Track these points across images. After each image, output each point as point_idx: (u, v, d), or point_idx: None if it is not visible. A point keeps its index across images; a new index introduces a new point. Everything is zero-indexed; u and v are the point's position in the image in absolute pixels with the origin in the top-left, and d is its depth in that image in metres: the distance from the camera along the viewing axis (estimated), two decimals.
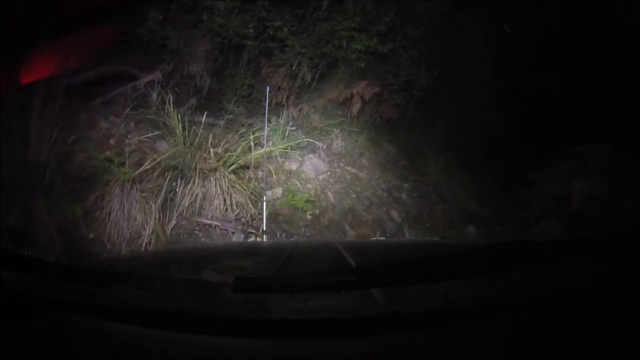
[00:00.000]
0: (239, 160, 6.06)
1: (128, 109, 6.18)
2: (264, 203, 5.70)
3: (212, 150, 5.81)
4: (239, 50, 7.42)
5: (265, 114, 6.56)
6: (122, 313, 1.15)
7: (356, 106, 7.71)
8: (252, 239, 5.63)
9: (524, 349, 0.98)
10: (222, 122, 6.67)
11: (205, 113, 6.48)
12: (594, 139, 6.54)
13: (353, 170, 7.20)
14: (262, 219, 5.62)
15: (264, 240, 5.43)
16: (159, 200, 5.47)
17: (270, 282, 1.30)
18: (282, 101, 7.63)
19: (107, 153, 5.64)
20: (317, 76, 7.69)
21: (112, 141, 5.91)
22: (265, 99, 6.69)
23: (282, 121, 7.10)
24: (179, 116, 5.94)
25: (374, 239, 6.25)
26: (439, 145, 8.60)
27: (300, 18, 7.38)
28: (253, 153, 6.12)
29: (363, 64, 7.60)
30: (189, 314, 1.12)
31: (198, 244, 5.08)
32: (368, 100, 7.84)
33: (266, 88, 6.85)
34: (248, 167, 6.24)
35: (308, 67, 7.56)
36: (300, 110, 7.75)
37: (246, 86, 7.39)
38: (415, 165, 8.33)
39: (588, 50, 7.08)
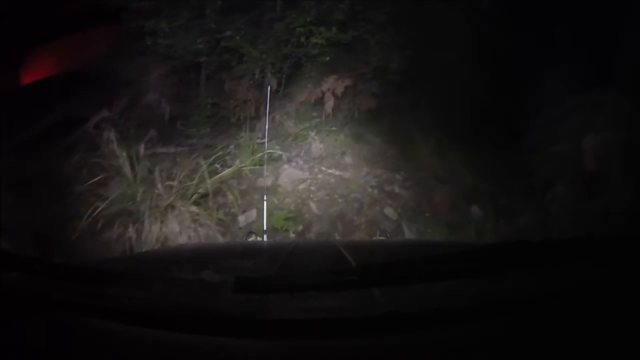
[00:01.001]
0: (199, 189, 5.27)
1: (78, 155, 5.35)
2: (264, 203, 5.18)
3: (161, 185, 5.02)
4: (195, 69, 6.64)
5: (265, 125, 6.13)
6: (122, 313, 1.09)
7: (329, 103, 6.96)
8: (252, 238, 5.23)
9: (524, 349, 0.93)
10: (184, 149, 5.84)
11: (166, 142, 5.73)
12: (594, 87, 5.70)
13: (337, 172, 6.39)
14: (262, 223, 5.13)
15: (264, 239, 5.07)
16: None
17: (270, 282, 1.22)
18: (250, 114, 6.79)
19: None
20: (283, 80, 6.99)
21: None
22: (267, 102, 6.00)
23: (247, 135, 6.23)
24: (128, 152, 5.16)
25: (374, 239, 5.72)
26: (427, 125, 7.73)
27: (253, 23, 6.56)
28: (208, 180, 5.32)
29: (328, 58, 6.89)
30: (189, 314, 1.07)
31: (198, 244, 4.72)
32: (342, 95, 7.14)
33: (267, 89, 6.22)
34: (216, 193, 5.43)
35: (272, 72, 6.79)
36: (272, 119, 6.95)
37: (209, 105, 6.60)
38: (405, 152, 7.54)
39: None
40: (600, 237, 1.21)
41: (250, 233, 5.25)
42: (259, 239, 5.07)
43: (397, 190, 6.44)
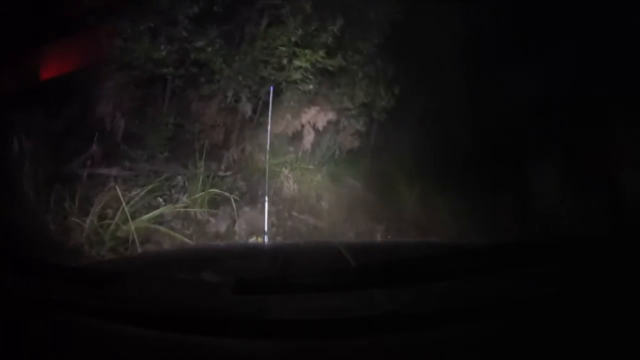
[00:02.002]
0: (119, 231, 3.81)
1: None
2: (266, 199, 4.61)
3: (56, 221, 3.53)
4: (161, 83, 5.49)
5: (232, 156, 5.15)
6: (122, 313, 1.06)
7: (308, 138, 5.89)
8: (253, 239, 4.65)
9: (523, 349, 0.91)
10: (128, 174, 4.55)
11: (111, 163, 4.62)
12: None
13: (310, 220, 5.22)
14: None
15: (265, 240, 4.56)
16: None
17: (270, 283, 1.20)
18: (218, 141, 5.60)
19: None
20: (259, 107, 5.76)
21: None
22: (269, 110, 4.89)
23: (202, 165, 4.89)
24: (40, 175, 3.74)
25: (374, 239, 5.19)
26: (411, 171, 6.90)
27: (229, 37, 5.49)
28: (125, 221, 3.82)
29: (311, 87, 5.87)
30: (189, 315, 1.04)
31: (198, 245, 4.24)
32: (322, 130, 6.01)
33: (270, 88, 5.26)
34: (146, 238, 3.97)
35: (247, 97, 5.65)
36: (242, 150, 5.79)
37: (170, 125, 5.34)
38: (387, 199, 6.61)
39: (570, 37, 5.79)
40: (600, 237, 1.28)
41: (251, 233, 4.72)
42: (259, 239, 4.64)
43: None
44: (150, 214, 3.83)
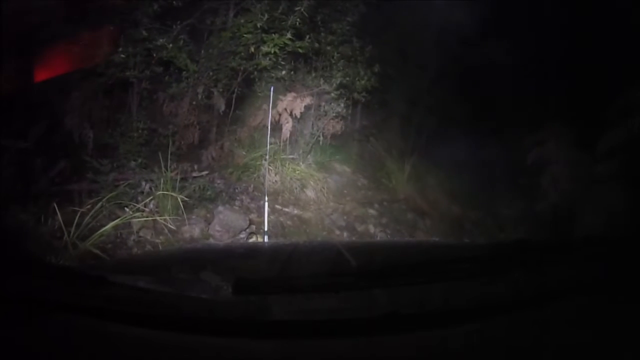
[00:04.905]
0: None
1: None
2: (266, 204, 4.23)
3: None
4: (127, 86, 5.09)
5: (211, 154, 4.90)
6: (122, 314, 1.04)
7: (287, 127, 5.47)
8: (253, 239, 4.39)
9: (523, 349, 0.91)
10: (93, 186, 4.13)
11: (81, 177, 4.22)
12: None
13: (295, 212, 4.82)
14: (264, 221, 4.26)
15: (265, 240, 4.29)
16: None
17: (270, 283, 1.18)
18: (195, 141, 5.18)
19: None
20: (233, 101, 5.38)
21: None
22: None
23: (175, 169, 4.44)
24: None
25: (375, 239, 4.83)
26: (401, 149, 6.79)
27: (192, 31, 5.06)
28: None
29: (284, 72, 5.48)
30: (189, 315, 1.03)
31: (199, 245, 4.03)
32: (302, 117, 5.63)
33: (270, 89, 4.80)
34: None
35: (219, 91, 5.23)
36: (221, 147, 5.37)
37: (141, 130, 4.92)
38: (378, 181, 6.31)
39: None
40: (600, 237, 1.26)
41: (251, 234, 4.45)
42: (259, 239, 4.42)
43: (371, 229, 4.94)
44: (102, 230, 3.38)
